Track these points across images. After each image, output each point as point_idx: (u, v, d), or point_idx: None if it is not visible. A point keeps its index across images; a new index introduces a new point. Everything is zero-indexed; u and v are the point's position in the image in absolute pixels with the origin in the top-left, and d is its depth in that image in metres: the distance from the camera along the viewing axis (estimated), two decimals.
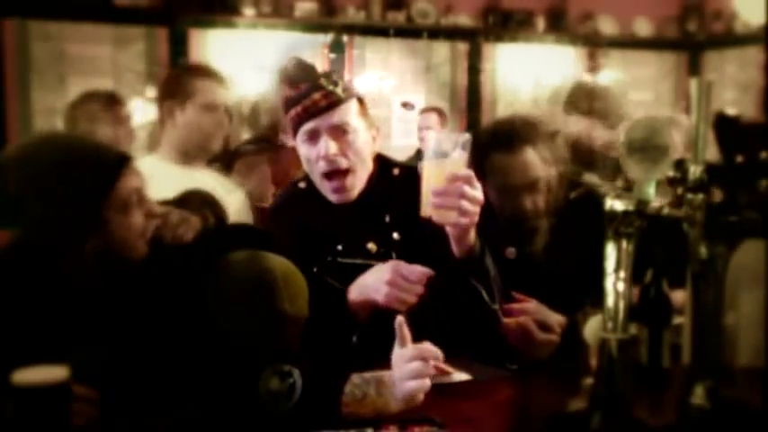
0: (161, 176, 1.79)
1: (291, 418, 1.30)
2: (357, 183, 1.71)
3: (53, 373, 1.04)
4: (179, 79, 2.48)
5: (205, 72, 2.51)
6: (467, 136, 1.50)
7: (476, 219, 1.50)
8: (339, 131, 1.67)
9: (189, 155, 2.42)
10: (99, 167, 1.40)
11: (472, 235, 1.54)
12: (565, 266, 1.82)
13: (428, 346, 1.36)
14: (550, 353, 1.73)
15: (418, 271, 1.53)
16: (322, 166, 1.68)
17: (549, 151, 1.90)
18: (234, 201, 2.35)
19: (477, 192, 1.48)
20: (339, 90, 1.68)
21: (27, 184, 1.35)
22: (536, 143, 1.87)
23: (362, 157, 1.71)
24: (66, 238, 1.36)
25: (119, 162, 1.43)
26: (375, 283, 1.55)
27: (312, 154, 1.69)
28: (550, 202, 1.89)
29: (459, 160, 1.48)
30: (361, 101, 1.74)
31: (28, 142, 1.49)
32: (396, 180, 1.78)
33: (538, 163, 1.86)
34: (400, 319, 1.38)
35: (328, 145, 1.66)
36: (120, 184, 1.40)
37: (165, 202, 1.81)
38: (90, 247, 1.38)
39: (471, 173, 1.48)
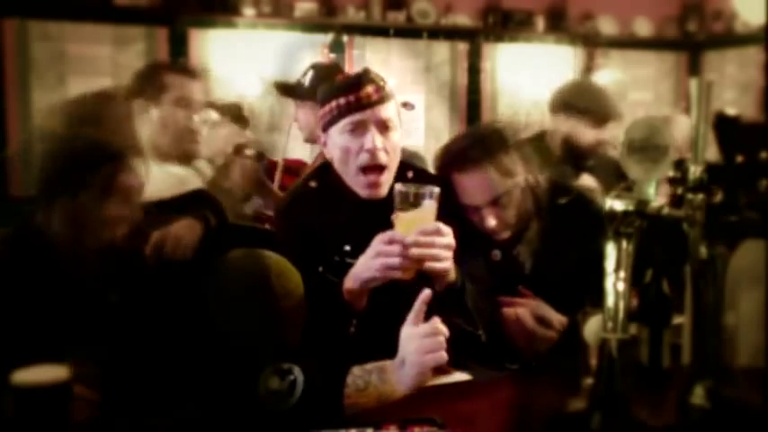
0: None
1: (295, 414, 1.30)
2: (388, 181, 1.73)
3: (53, 373, 1.03)
4: (151, 75, 2.37)
5: (179, 68, 2.45)
6: (435, 189, 1.53)
7: (449, 264, 1.54)
8: (385, 127, 1.71)
9: (163, 152, 2.28)
10: (97, 165, 1.40)
11: (452, 273, 1.59)
12: (556, 270, 1.82)
13: (440, 324, 1.39)
14: (548, 348, 1.74)
15: (399, 233, 1.53)
16: (364, 158, 1.69)
17: (522, 159, 1.86)
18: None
19: (447, 239, 1.52)
20: (387, 88, 1.74)
21: (27, 180, 1.35)
22: (498, 156, 1.81)
23: (397, 155, 1.76)
24: (65, 234, 1.36)
25: (117, 159, 1.43)
26: (366, 262, 1.55)
27: (354, 145, 1.70)
28: (531, 207, 1.86)
29: (428, 211, 1.51)
30: (396, 103, 1.78)
31: (27, 140, 1.50)
32: (408, 182, 1.79)
33: (499, 178, 1.80)
34: (427, 292, 1.41)
35: (375, 138, 1.68)
36: (118, 182, 1.41)
37: (166, 203, 1.82)
38: (88, 243, 1.38)
39: (439, 224, 1.52)
